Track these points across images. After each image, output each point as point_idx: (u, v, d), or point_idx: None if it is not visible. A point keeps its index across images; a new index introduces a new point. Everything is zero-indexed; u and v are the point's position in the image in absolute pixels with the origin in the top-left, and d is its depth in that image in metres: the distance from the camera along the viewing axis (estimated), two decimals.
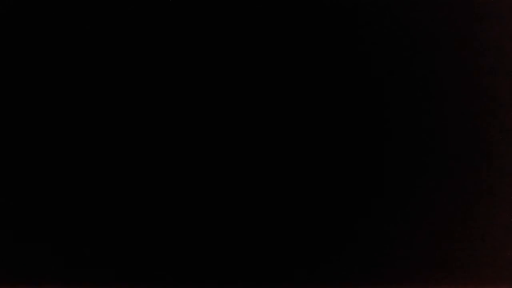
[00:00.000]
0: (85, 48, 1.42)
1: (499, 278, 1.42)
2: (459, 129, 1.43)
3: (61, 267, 1.41)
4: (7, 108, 1.42)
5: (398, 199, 1.42)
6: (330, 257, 1.41)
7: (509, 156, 1.42)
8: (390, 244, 1.42)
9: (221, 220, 1.42)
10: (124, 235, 1.41)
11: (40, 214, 1.41)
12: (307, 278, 1.41)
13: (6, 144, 1.41)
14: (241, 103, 1.42)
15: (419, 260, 1.41)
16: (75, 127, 1.42)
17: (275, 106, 1.42)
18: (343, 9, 1.43)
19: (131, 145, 1.42)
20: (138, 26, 1.42)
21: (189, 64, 1.43)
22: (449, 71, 1.43)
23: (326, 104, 1.43)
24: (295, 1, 1.42)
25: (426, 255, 1.42)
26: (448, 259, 1.42)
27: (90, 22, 1.42)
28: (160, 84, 1.42)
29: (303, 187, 1.42)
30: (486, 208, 1.42)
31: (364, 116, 1.42)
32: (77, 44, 1.42)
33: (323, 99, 1.43)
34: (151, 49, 1.42)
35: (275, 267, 1.41)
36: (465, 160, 1.42)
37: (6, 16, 1.42)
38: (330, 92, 1.43)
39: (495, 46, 1.43)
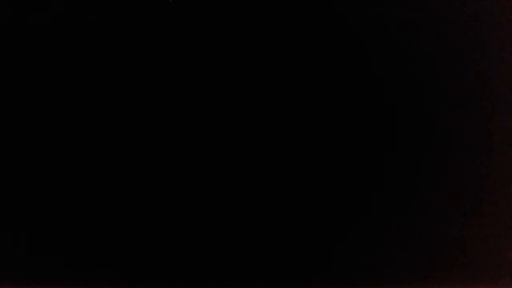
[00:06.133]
0: (84, 48, 1.42)
1: (499, 278, 1.42)
2: (459, 129, 1.43)
3: (61, 267, 1.41)
4: (7, 108, 1.42)
5: (398, 199, 1.42)
6: (329, 257, 1.41)
7: (509, 156, 1.42)
8: (390, 244, 1.42)
9: (220, 220, 1.42)
10: (124, 235, 1.41)
11: (40, 214, 1.41)
12: (306, 278, 1.41)
13: (6, 144, 1.41)
14: (241, 103, 1.42)
15: (419, 260, 1.41)
16: (74, 127, 1.42)
17: (274, 105, 1.42)
18: (343, 9, 1.43)
19: (130, 145, 1.42)
20: (138, 26, 1.42)
21: (189, 64, 1.43)
22: (449, 70, 1.43)
23: (325, 104, 1.43)
24: (295, 1, 1.42)
25: (426, 255, 1.42)
26: (448, 259, 1.42)
27: (89, 21, 1.42)
28: (160, 84, 1.42)
29: (302, 187, 1.42)
30: (486, 208, 1.42)
31: (364, 115, 1.42)
32: (76, 44, 1.42)
33: (323, 99, 1.43)
34: (151, 49, 1.42)
35: (274, 267, 1.41)
36: (465, 160, 1.42)
37: (6, 16, 1.42)
38: (330, 92, 1.43)
39: (495, 46, 1.43)
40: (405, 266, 1.41)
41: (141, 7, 1.42)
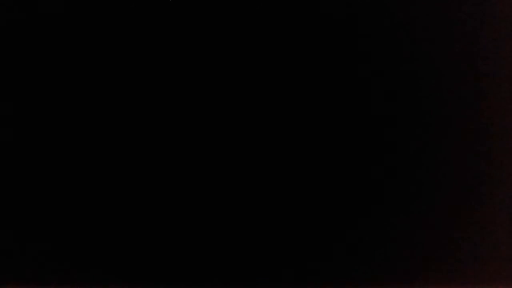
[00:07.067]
0: (84, 48, 1.42)
1: (499, 278, 1.42)
2: (459, 129, 1.43)
3: (61, 267, 1.41)
4: (7, 108, 1.42)
5: (398, 199, 1.42)
6: (330, 257, 1.41)
7: (509, 156, 1.43)
8: (390, 244, 1.42)
9: (220, 220, 1.42)
10: (124, 236, 1.41)
11: (40, 214, 1.41)
12: (306, 278, 1.41)
13: (7, 144, 1.41)
14: (241, 104, 1.42)
15: (419, 260, 1.41)
16: (75, 127, 1.42)
17: (274, 106, 1.42)
18: (343, 9, 1.43)
19: (130, 145, 1.42)
20: (138, 26, 1.42)
21: (189, 64, 1.43)
22: (449, 71, 1.43)
23: (325, 105, 1.43)
24: (294, 1, 1.42)
25: (426, 255, 1.42)
26: (448, 259, 1.42)
27: (89, 21, 1.42)
28: (160, 84, 1.42)
29: (303, 187, 1.42)
30: (486, 208, 1.42)
31: (364, 116, 1.42)
32: (76, 44, 1.42)
33: (323, 100, 1.43)
34: (151, 49, 1.42)
35: (274, 267, 1.41)
36: (465, 160, 1.42)
37: (6, 16, 1.42)
38: (330, 93, 1.43)
39: (495, 46, 1.43)
40: (405, 266, 1.41)
41: (141, 7, 1.42)
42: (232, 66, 1.42)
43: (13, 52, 1.42)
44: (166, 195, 1.42)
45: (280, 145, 1.42)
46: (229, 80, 1.42)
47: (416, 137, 1.43)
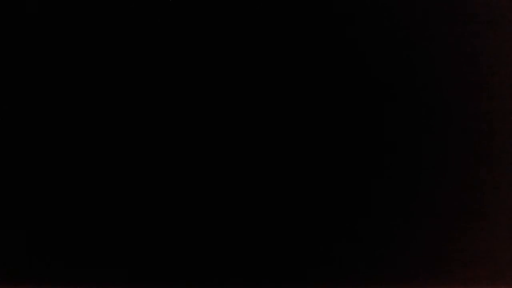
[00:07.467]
0: (84, 48, 1.42)
1: (499, 278, 1.42)
2: (460, 129, 1.43)
3: (61, 267, 1.41)
4: (7, 108, 1.42)
5: (398, 199, 1.42)
6: (330, 257, 1.41)
7: (509, 156, 1.42)
8: (390, 244, 1.42)
9: (220, 220, 1.42)
10: (124, 235, 1.41)
11: (40, 214, 1.41)
12: (307, 278, 1.41)
13: (6, 144, 1.41)
14: (241, 103, 1.42)
15: (419, 260, 1.41)
16: (75, 127, 1.42)
17: (274, 105, 1.42)
18: (343, 8, 1.43)
19: (130, 145, 1.42)
20: (138, 26, 1.42)
21: (189, 64, 1.42)
22: (449, 70, 1.43)
23: (325, 104, 1.43)
24: (294, 1, 1.42)
25: (426, 255, 1.42)
26: (448, 259, 1.42)
27: (89, 21, 1.42)
28: (160, 84, 1.42)
29: (303, 187, 1.42)
30: (486, 208, 1.42)
31: (364, 115, 1.42)
32: (76, 44, 1.42)
33: (323, 99, 1.43)
34: (151, 49, 1.42)
35: (274, 267, 1.41)
36: (465, 160, 1.42)
37: (6, 16, 1.42)
38: (330, 92, 1.43)
39: (495, 46, 1.43)
40: (405, 266, 1.41)
41: (141, 7, 1.42)
42: (232, 66, 1.42)
43: (12, 52, 1.42)
44: (166, 195, 1.42)
45: (280, 145, 1.42)
46: (229, 80, 1.42)
47: (415, 137, 1.42)
